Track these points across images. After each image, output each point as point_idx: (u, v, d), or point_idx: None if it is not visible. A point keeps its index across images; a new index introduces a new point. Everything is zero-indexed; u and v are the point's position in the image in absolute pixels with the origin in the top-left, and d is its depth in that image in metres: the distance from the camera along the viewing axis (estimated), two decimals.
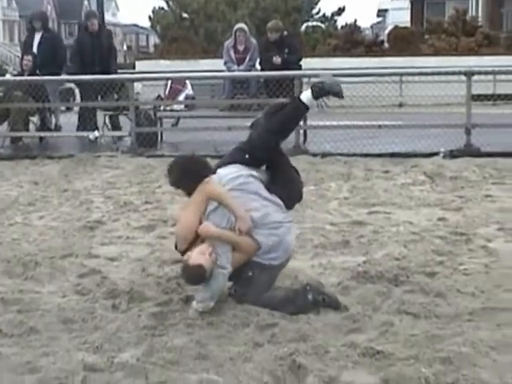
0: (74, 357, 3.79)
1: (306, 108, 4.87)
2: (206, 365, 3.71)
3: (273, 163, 4.78)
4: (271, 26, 12.47)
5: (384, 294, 4.64)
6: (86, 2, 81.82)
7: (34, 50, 12.54)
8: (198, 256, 4.28)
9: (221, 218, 4.40)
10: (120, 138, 12.17)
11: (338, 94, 5.00)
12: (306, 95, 4.87)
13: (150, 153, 10.93)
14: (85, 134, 12.01)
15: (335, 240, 6.07)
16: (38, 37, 12.70)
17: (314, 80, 19.16)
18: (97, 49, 12.41)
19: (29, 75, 12.08)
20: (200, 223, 4.37)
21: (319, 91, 4.86)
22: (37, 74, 12.04)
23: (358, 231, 6.35)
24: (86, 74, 12.02)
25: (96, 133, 11.94)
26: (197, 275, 4.31)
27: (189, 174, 4.49)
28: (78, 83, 12.82)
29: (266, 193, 4.60)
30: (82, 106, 12.63)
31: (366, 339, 3.98)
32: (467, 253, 5.64)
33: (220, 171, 4.60)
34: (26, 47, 12.90)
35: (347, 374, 3.58)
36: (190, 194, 4.50)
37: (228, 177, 4.54)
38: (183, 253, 4.46)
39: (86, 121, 12.12)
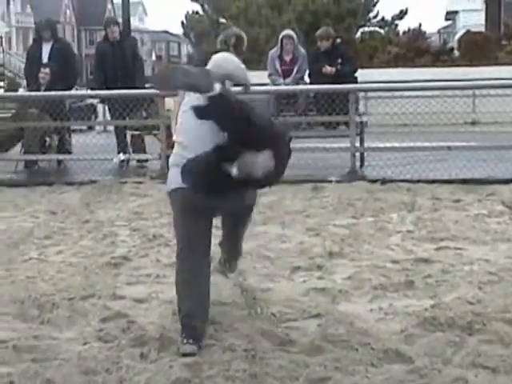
0: None
1: None
2: None
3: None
4: (321, 33, 12.56)
5: (456, 344, 4.61)
6: (109, 6, 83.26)
7: (45, 62, 12.66)
8: None
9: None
10: (145, 161, 12.31)
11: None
12: None
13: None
14: (108, 156, 12.17)
15: (397, 280, 6.04)
16: (47, 48, 12.77)
17: (371, 95, 19.15)
18: (119, 60, 12.49)
19: (45, 90, 12.29)
20: None
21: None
22: (55, 89, 12.23)
23: (424, 270, 6.32)
24: (108, 89, 12.20)
25: (121, 156, 12.09)
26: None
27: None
28: (108, 99, 12.93)
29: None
30: (104, 124, 12.80)
31: None
32: None
33: None
34: (34, 59, 12.89)
35: None
36: None
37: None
38: None
39: (119, 142, 12.33)
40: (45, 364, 4.46)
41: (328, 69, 12.10)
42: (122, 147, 12.34)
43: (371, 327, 4.97)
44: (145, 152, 12.49)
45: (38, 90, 12.38)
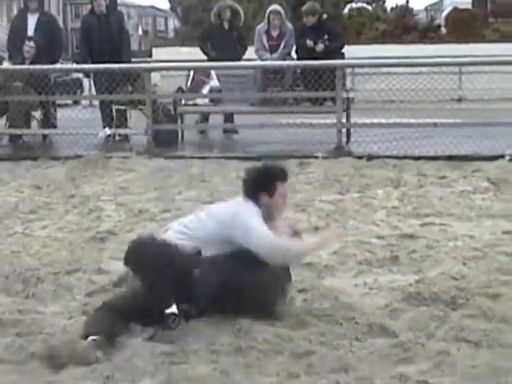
0: None
1: None
2: None
3: None
4: (307, 8, 12.55)
5: (439, 319, 4.63)
6: None
7: (30, 34, 12.54)
8: None
9: None
10: (126, 136, 12.28)
11: None
12: None
13: (168, 153, 10.99)
14: (94, 131, 12.13)
15: (382, 256, 6.07)
16: (32, 20, 12.58)
17: (358, 71, 19.07)
18: (105, 34, 12.39)
19: (30, 63, 12.20)
20: None
21: None
22: (39, 62, 12.12)
23: (408, 246, 6.35)
24: (94, 63, 12.15)
25: (107, 130, 12.04)
26: None
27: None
28: (94, 73, 12.89)
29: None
30: (90, 99, 12.74)
31: (419, 371, 3.98)
32: None
33: None
34: (18, 31, 12.80)
35: None
36: None
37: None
38: None
39: (104, 116, 12.28)
40: (29, 338, 4.46)
41: (320, 46, 12.08)
42: (107, 122, 12.29)
43: (356, 302, 5.00)
44: (126, 126, 12.44)
45: (22, 63, 12.28)
